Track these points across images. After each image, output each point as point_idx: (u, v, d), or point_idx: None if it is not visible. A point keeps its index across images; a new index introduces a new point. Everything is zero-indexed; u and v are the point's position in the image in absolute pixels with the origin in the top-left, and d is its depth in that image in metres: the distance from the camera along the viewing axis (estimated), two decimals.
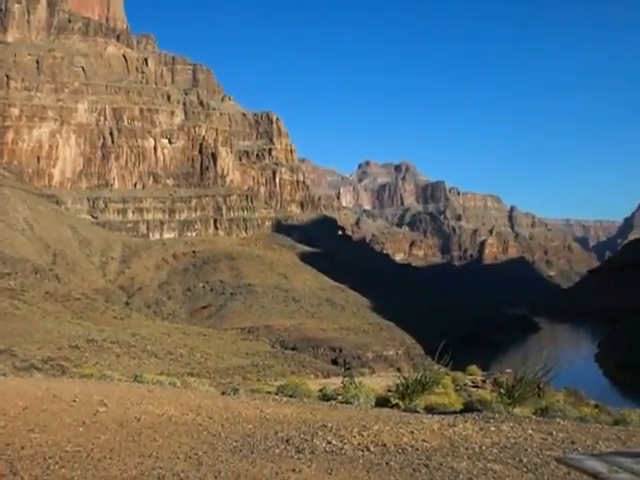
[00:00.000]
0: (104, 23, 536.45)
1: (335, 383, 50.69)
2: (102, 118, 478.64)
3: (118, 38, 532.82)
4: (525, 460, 15.35)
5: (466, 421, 20.32)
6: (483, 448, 16.51)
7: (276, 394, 29.70)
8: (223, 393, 28.96)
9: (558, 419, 21.77)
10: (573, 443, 17.32)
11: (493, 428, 19.02)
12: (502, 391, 26.54)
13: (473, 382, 62.03)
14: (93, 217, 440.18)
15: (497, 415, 21.97)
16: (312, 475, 13.74)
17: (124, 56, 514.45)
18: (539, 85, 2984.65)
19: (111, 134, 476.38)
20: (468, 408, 25.07)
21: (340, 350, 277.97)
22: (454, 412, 24.35)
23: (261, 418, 20.75)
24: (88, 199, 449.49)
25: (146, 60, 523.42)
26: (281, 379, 73.46)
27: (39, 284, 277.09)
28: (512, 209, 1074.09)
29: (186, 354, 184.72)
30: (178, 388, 31.66)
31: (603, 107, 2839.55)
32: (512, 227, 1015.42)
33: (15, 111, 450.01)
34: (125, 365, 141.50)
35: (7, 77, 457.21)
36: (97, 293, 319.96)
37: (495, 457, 15.64)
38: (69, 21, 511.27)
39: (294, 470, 14.09)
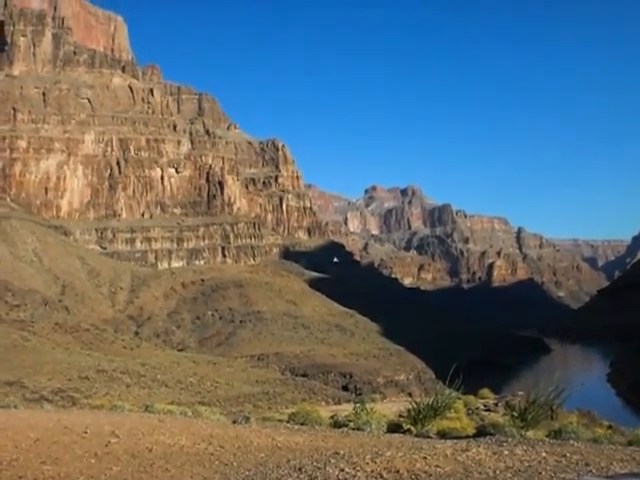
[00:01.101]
0: (109, 54, 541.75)
1: (346, 409, 50.50)
2: (109, 149, 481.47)
3: (124, 69, 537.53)
4: None
5: (479, 445, 20.21)
6: (497, 472, 16.42)
7: (287, 422, 29.59)
8: (234, 422, 28.89)
9: (572, 441, 21.65)
10: (587, 465, 17.21)
11: (506, 452, 18.91)
12: (515, 414, 26.42)
13: (485, 406, 61.74)
14: (101, 247, 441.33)
15: (510, 439, 21.86)
16: None
17: (130, 87, 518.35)
18: (546, 105, 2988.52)
19: (118, 164, 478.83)
20: (481, 432, 24.95)
21: (350, 376, 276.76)
22: (467, 437, 24.24)
23: (273, 447, 20.68)
24: (96, 229, 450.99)
25: (152, 90, 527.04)
26: (292, 406, 73.24)
27: (48, 315, 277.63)
28: (519, 230, 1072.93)
29: (196, 383, 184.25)
30: (189, 417, 31.59)
31: (610, 126, 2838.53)
32: (520, 249, 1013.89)
33: (22, 143, 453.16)
34: (135, 395, 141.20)
35: (14, 110, 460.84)
36: (106, 323, 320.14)
37: None
38: (74, 53, 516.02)
39: None
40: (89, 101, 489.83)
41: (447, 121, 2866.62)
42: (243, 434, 23.25)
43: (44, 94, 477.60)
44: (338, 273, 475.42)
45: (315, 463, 17.72)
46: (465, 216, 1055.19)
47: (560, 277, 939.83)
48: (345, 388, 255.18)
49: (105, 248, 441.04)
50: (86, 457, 18.66)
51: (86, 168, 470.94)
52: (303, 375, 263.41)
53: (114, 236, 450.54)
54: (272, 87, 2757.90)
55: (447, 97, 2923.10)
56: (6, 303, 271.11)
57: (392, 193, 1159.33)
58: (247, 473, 16.68)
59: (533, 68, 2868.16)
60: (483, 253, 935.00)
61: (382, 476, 16.20)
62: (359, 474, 16.44)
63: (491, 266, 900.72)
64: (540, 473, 16.27)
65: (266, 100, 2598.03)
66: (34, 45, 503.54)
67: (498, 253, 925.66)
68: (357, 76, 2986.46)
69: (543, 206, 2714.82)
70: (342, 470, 16.84)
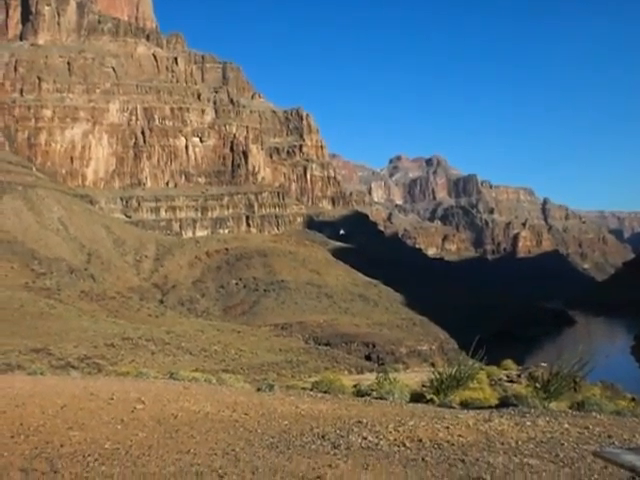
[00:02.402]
0: (133, 23, 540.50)
1: (369, 379, 50.67)
2: (133, 118, 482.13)
3: (148, 38, 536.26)
4: (562, 455, 15.29)
5: (502, 416, 20.26)
6: (519, 443, 16.47)
7: (311, 390, 29.76)
8: (258, 389, 29.11)
9: (594, 413, 21.62)
10: (610, 437, 17.22)
11: (529, 423, 18.95)
12: (538, 385, 26.39)
13: (508, 377, 61.68)
14: (126, 216, 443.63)
15: (533, 410, 21.87)
16: (348, 471, 13.80)
17: (154, 56, 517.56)
18: (572, 77, 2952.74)
19: (143, 133, 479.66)
20: (503, 403, 24.98)
21: (373, 345, 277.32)
22: (489, 407, 24.28)
23: (296, 414, 20.84)
24: (121, 198, 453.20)
25: (176, 59, 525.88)
26: (315, 375, 73.57)
27: (74, 283, 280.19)
28: (545, 201, 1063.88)
29: (220, 351, 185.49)
30: (213, 385, 31.87)
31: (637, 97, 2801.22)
32: (545, 220, 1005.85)
33: (48, 113, 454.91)
34: (160, 362, 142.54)
35: (39, 79, 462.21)
36: (132, 291, 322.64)
37: (531, 452, 15.59)
38: (99, 22, 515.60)
39: (330, 466, 14.17)
40: (113, 70, 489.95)
41: (473, 91, 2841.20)
42: (267, 402, 23.45)
43: (69, 63, 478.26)
44: (362, 243, 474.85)
45: (338, 431, 17.87)
46: (490, 186, 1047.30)
47: (585, 249, 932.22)
48: (368, 358, 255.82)
49: (130, 217, 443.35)
50: (112, 423, 18.90)
51: (111, 137, 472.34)
52: (326, 344, 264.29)
53: (139, 205, 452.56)
54: (297, 56, 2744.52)
55: (473, 68, 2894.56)
56: (33, 271, 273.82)
57: (417, 163, 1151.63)
58: (271, 440, 16.85)
59: (562, 39, 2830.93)
60: (508, 224, 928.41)
61: (405, 445, 16.31)
62: (382, 442, 16.56)
63: (516, 237, 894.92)
64: (562, 444, 16.31)
65: (291, 69, 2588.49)
66: (58, 14, 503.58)
67: (523, 224, 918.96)
68: (383, 45, 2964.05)
69: (569, 177, 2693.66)
70: (365, 438, 16.97)
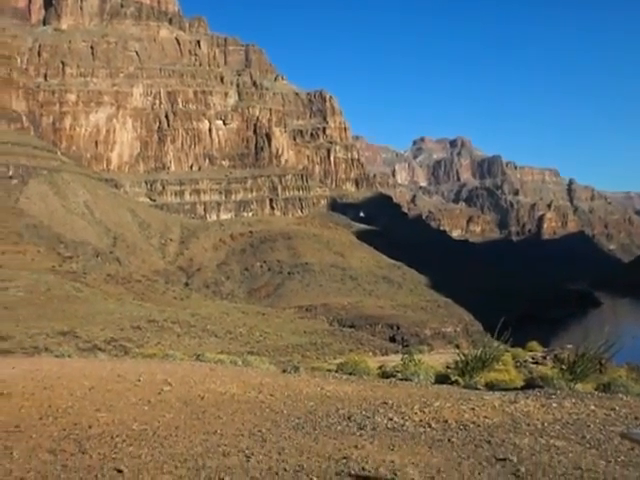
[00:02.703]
0: (156, 7, 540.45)
1: (393, 360, 50.68)
2: (157, 101, 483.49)
3: (170, 21, 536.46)
4: (588, 436, 15.24)
5: (527, 398, 20.22)
6: (545, 424, 16.43)
7: (336, 372, 29.84)
8: (284, 371, 29.23)
9: (621, 395, 21.49)
10: (636, 419, 17.13)
11: (555, 404, 18.89)
12: (563, 367, 26.29)
13: (533, 358, 61.45)
14: (151, 200, 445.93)
15: (559, 391, 21.79)
16: (374, 451, 13.85)
17: (177, 39, 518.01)
18: (597, 57, 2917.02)
19: (166, 117, 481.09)
20: (529, 385, 24.91)
21: (398, 327, 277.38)
22: (515, 389, 24.23)
23: (322, 395, 20.92)
24: (146, 182, 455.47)
25: (199, 42, 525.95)
26: (340, 357, 73.78)
27: (100, 267, 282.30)
28: (571, 182, 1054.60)
29: (245, 333, 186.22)
30: (239, 367, 32.03)
31: None
32: (571, 201, 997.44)
33: (72, 97, 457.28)
34: (186, 345, 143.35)
35: (62, 64, 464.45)
36: (157, 274, 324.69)
37: (557, 433, 15.56)
38: (121, 6, 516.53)
39: (356, 447, 14.22)
40: (137, 54, 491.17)
41: (497, 72, 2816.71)
42: (292, 383, 23.55)
43: (92, 48, 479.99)
44: (386, 225, 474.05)
45: (364, 412, 17.92)
46: (515, 167, 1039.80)
47: (611, 230, 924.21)
48: (392, 339, 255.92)
49: (155, 200, 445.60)
50: (139, 404, 19.07)
51: (135, 121, 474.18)
52: (350, 326, 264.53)
53: (163, 188, 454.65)
54: (320, 37, 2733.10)
55: (498, 49, 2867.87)
56: (59, 255, 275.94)
57: (441, 144, 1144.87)
58: (297, 421, 16.93)
59: (588, 24, 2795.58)
60: (533, 205, 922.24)
61: (430, 426, 16.34)
62: (407, 423, 16.59)
63: (541, 218, 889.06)
64: (589, 426, 16.26)
65: (314, 51, 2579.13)
66: None
67: (548, 205, 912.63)
68: (407, 26, 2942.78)
69: (595, 158, 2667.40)
70: (391, 419, 17.01)
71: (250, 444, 14.52)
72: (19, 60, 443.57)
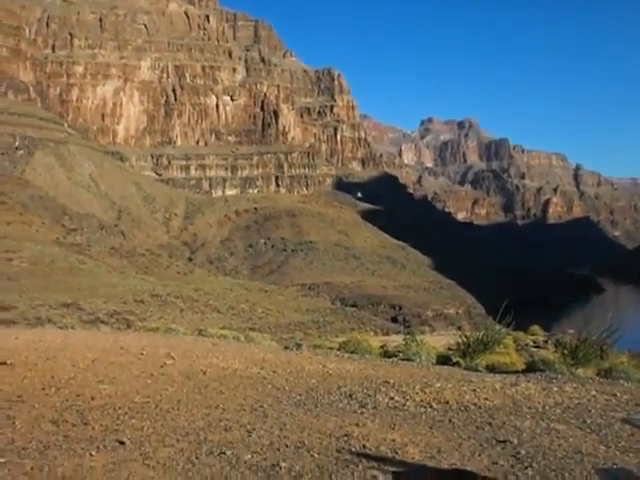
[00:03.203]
0: None
1: (395, 340, 50.85)
2: (165, 75, 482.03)
3: None
4: (589, 421, 15.28)
5: (528, 381, 20.26)
6: (546, 408, 16.47)
7: (338, 350, 29.91)
8: (286, 348, 29.32)
9: (622, 381, 21.51)
10: (637, 405, 17.15)
11: (556, 388, 18.93)
12: (565, 352, 26.32)
13: (535, 342, 61.54)
14: (157, 174, 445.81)
15: (560, 376, 21.82)
16: (375, 430, 13.90)
17: (186, 13, 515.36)
18: (606, 42, 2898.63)
19: (174, 91, 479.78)
20: (530, 368, 24.94)
21: (400, 308, 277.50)
22: (516, 372, 24.28)
23: (324, 373, 20.98)
24: (152, 156, 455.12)
25: (207, 17, 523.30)
26: (341, 335, 73.93)
27: (105, 240, 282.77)
28: (577, 167, 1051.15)
29: (248, 309, 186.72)
30: (242, 342, 32.16)
31: None
32: (577, 186, 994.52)
33: (79, 69, 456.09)
34: (188, 319, 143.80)
35: (71, 35, 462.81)
36: (161, 249, 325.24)
37: (558, 417, 15.60)
38: None
39: (357, 424, 14.28)
40: (145, 27, 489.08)
41: (508, 55, 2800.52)
42: (295, 360, 23.61)
43: (100, 20, 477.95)
44: (391, 205, 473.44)
45: (365, 390, 17.97)
46: (522, 151, 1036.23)
47: (617, 216, 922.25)
48: (394, 320, 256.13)
49: (160, 175, 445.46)
50: (142, 377, 19.15)
51: (142, 94, 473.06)
52: (353, 305, 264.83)
53: (169, 163, 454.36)
54: (329, 15, 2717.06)
55: (507, 31, 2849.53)
56: (63, 227, 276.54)
57: (448, 125, 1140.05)
58: (299, 398, 16.99)
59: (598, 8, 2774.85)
60: (539, 189, 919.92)
61: (431, 406, 16.39)
62: (408, 403, 16.65)
63: (547, 203, 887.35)
64: (589, 411, 16.29)
65: (323, 28, 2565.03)
66: None
67: (555, 190, 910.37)
68: (415, 5, 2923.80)
69: (603, 143, 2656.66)
70: (392, 398, 17.06)
71: (252, 419, 14.59)
72: (27, 31, 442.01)
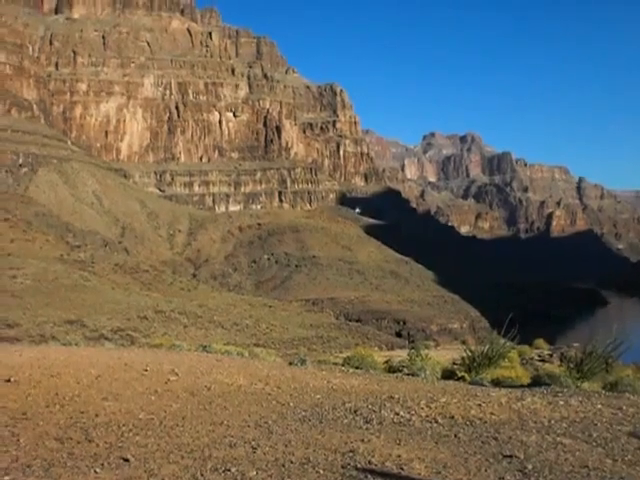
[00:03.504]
0: None
1: (400, 355, 50.78)
2: (168, 92, 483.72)
3: (182, 12, 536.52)
4: (595, 435, 15.21)
5: (534, 395, 20.19)
6: (552, 422, 16.41)
7: (342, 365, 29.87)
8: (290, 364, 29.26)
9: (628, 394, 21.43)
10: None
11: (562, 402, 18.86)
12: (571, 365, 26.26)
13: (540, 356, 61.47)
14: (160, 190, 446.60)
15: (565, 389, 21.77)
16: (381, 445, 13.85)
17: (188, 30, 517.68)
18: (608, 54, 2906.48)
19: (177, 108, 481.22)
20: (536, 382, 24.89)
21: (404, 323, 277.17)
22: (521, 386, 24.21)
23: (328, 389, 20.94)
24: (155, 173, 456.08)
25: (210, 34, 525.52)
26: (346, 351, 73.86)
27: (108, 256, 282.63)
28: (580, 180, 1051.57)
29: (252, 325, 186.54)
30: (246, 358, 32.09)
31: None
32: (580, 199, 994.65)
33: (83, 86, 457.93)
34: (192, 335, 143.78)
35: (74, 53, 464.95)
36: (165, 265, 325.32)
37: (564, 431, 15.54)
38: None
39: (363, 440, 14.23)
40: (148, 44, 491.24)
41: (509, 69, 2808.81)
42: (299, 376, 23.56)
43: (104, 37, 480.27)
44: (394, 220, 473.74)
45: (370, 406, 17.93)
46: (525, 165, 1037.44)
47: (620, 229, 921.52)
48: (398, 334, 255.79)
49: (164, 191, 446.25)
50: (146, 394, 19.11)
51: (145, 111, 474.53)
52: (357, 320, 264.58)
53: (172, 179, 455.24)
54: (330, 31, 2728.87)
55: (508, 45, 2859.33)
56: (67, 244, 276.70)
57: (451, 140, 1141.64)
58: (304, 413, 16.95)
59: (598, 18, 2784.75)
60: (542, 203, 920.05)
61: (437, 421, 16.33)
62: (414, 418, 16.59)
63: (550, 216, 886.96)
64: (596, 425, 16.22)
65: (325, 44, 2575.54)
66: None
67: (558, 203, 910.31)
68: (417, 19, 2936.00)
69: (605, 156, 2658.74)
70: (397, 414, 17.01)
71: (256, 435, 14.55)
72: (31, 49, 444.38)
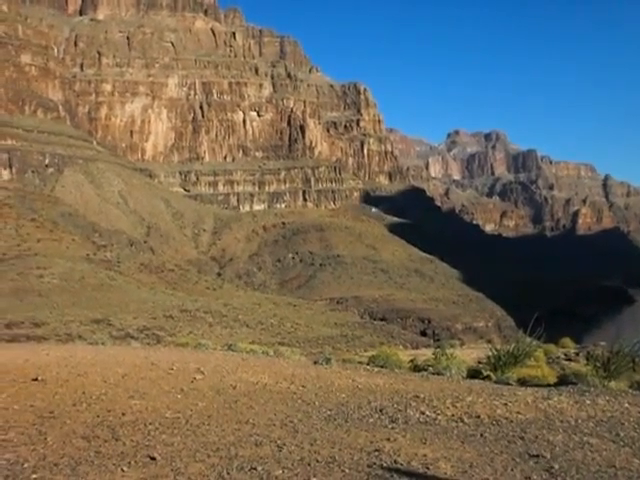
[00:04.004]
0: None
1: (425, 354, 50.59)
2: (192, 92, 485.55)
3: (206, 12, 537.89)
4: (622, 434, 15.10)
5: (560, 394, 20.04)
6: (579, 421, 16.30)
7: (367, 364, 29.82)
8: (315, 362, 29.24)
9: None
10: None
11: (588, 402, 18.72)
12: (597, 364, 26.05)
13: (566, 355, 60.97)
14: (185, 190, 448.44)
15: (592, 389, 21.59)
16: (407, 445, 13.82)
17: (212, 30, 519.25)
18: (634, 50, 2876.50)
19: (201, 108, 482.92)
20: (562, 381, 24.71)
21: (429, 321, 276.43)
22: (547, 385, 24.05)
23: (354, 388, 20.93)
24: (180, 172, 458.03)
25: (234, 34, 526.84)
26: (370, 350, 73.65)
27: (134, 256, 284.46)
28: (606, 178, 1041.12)
29: (276, 324, 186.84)
30: (271, 357, 32.13)
31: None
32: (606, 197, 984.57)
33: (108, 87, 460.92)
34: (217, 334, 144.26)
35: (99, 54, 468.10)
36: (190, 264, 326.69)
37: (591, 431, 15.43)
38: None
39: (389, 439, 14.20)
40: (172, 45, 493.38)
41: (534, 66, 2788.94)
42: (324, 374, 23.57)
43: (128, 38, 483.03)
44: (418, 218, 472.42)
45: (396, 405, 17.89)
46: (550, 162, 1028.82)
47: None
48: (423, 333, 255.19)
49: (188, 191, 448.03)
50: (172, 392, 19.20)
51: (170, 111, 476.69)
52: (381, 319, 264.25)
53: (197, 179, 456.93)
54: (354, 30, 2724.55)
55: (533, 43, 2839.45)
56: (93, 244, 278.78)
57: (475, 138, 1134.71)
58: (329, 412, 16.95)
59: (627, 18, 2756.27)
60: (568, 200, 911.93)
61: (463, 420, 16.27)
62: (440, 417, 16.54)
63: (576, 214, 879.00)
64: (623, 424, 16.10)
65: (348, 43, 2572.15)
66: None
67: (583, 201, 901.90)
68: (441, 18, 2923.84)
69: (632, 153, 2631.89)
70: (423, 413, 16.96)
71: (282, 434, 14.57)
72: (56, 50, 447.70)
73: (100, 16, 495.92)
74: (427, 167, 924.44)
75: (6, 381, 20.02)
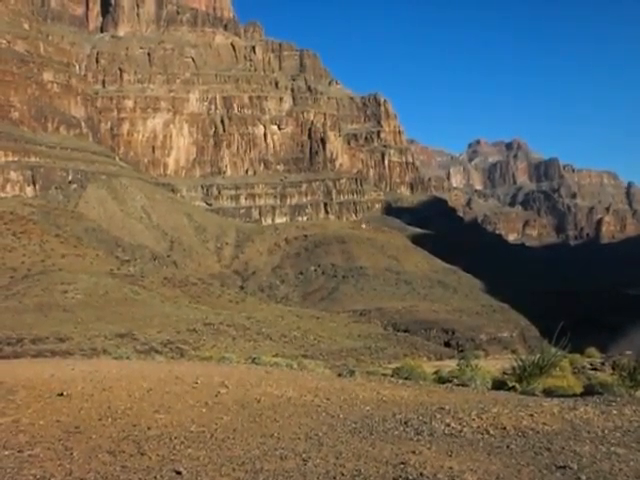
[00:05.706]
0: (211, 13, 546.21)
1: (449, 365, 50.32)
2: (213, 107, 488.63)
3: (226, 27, 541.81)
4: None
5: (587, 404, 19.85)
6: (605, 432, 16.13)
7: (391, 376, 29.71)
8: (339, 375, 29.20)
9: None
10: None
11: (615, 411, 18.53)
12: (623, 374, 25.81)
13: (591, 365, 60.45)
14: (207, 204, 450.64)
15: (619, 398, 21.36)
16: (432, 457, 13.74)
17: (232, 45, 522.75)
18: None
19: (222, 122, 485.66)
20: (588, 391, 24.50)
21: (453, 332, 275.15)
22: (574, 395, 23.85)
23: (378, 400, 20.85)
24: (202, 186, 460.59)
25: (254, 48, 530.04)
26: (394, 361, 73.45)
27: (157, 270, 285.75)
28: (629, 185, 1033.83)
29: (300, 336, 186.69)
30: (295, 370, 32.09)
31: None
32: (630, 204, 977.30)
33: (129, 103, 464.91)
34: (241, 347, 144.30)
35: (120, 70, 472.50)
36: (213, 278, 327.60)
37: (618, 441, 15.26)
38: (177, 13, 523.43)
39: (414, 452, 14.13)
40: (193, 60, 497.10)
41: (555, 74, 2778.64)
42: (348, 387, 23.50)
43: (149, 54, 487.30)
44: (441, 229, 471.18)
45: (421, 417, 17.79)
46: (573, 170, 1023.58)
47: None
48: (447, 344, 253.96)
49: (211, 204, 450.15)
50: (197, 407, 19.22)
51: (191, 126, 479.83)
52: (405, 331, 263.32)
53: (219, 193, 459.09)
54: (373, 42, 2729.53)
55: (554, 50, 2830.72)
56: (117, 258, 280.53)
57: (496, 147, 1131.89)
58: (354, 425, 16.89)
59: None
60: (591, 209, 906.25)
61: (488, 432, 16.15)
62: (465, 429, 16.43)
63: (599, 222, 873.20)
64: None
65: (368, 55, 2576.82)
66: (138, 6, 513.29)
67: (607, 209, 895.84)
68: (460, 30, 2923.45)
69: None
70: (448, 425, 16.86)
71: (307, 448, 14.54)
72: (77, 67, 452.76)
73: (121, 33, 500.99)
74: (448, 177, 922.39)
75: (32, 396, 20.13)
